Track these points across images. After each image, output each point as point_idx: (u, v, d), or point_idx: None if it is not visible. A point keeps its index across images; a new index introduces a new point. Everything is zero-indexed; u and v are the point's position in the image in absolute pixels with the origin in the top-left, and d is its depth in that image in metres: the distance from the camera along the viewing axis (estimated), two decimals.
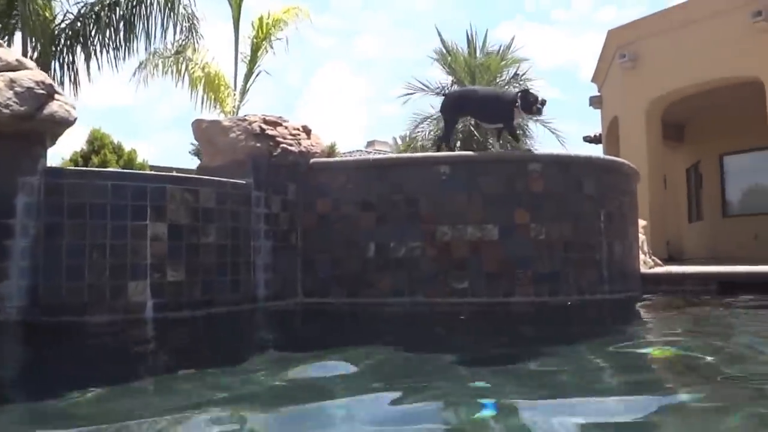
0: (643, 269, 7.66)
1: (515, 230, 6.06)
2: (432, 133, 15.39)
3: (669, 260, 13.02)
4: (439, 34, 17.50)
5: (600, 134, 18.57)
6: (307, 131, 6.37)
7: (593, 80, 18.16)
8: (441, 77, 16.84)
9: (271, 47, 12.14)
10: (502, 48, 16.30)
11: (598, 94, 17.81)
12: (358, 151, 24.85)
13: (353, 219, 6.24)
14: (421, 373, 3.17)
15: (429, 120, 16.26)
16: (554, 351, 3.74)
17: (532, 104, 6.44)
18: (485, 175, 6.12)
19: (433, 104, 16.60)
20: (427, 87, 16.36)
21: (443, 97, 8.01)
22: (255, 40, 11.95)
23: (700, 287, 7.16)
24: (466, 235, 6.05)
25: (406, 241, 6.13)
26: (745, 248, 15.35)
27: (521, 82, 16.32)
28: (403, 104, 16.69)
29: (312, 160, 6.30)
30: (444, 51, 16.08)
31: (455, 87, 14.94)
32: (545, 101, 6.50)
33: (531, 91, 6.74)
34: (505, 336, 4.67)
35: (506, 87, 15.62)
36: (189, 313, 5.10)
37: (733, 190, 17.15)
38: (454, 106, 7.22)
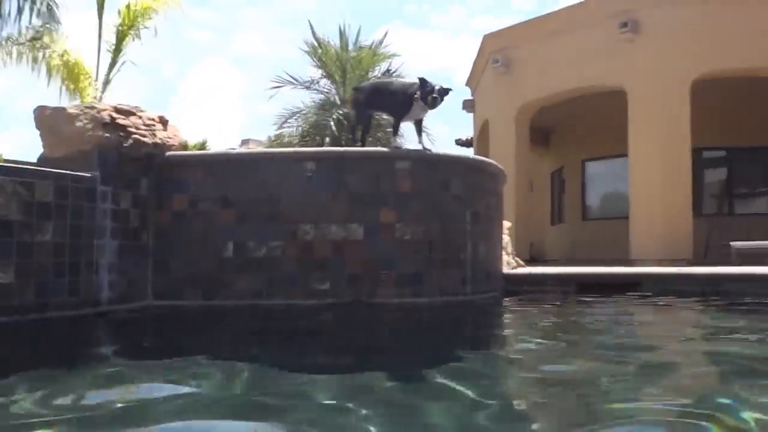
0: (506, 270, 7.63)
1: (380, 230, 5.81)
2: (300, 128, 14.76)
3: (531, 261, 13.24)
4: (311, 26, 16.17)
5: (471, 138, 18.82)
6: (164, 122, 5.86)
7: (467, 84, 18.36)
8: (312, 71, 15.92)
9: (139, 37, 11.39)
10: (374, 43, 15.56)
11: (471, 98, 18.01)
12: (231, 149, 24.02)
13: (211, 216, 5.80)
14: (274, 389, 2.80)
15: (297, 115, 15.38)
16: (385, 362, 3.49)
17: (428, 93, 5.96)
18: (352, 172, 5.83)
19: (303, 99, 15.95)
20: (296, 81, 15.49)
21: (354, 91, 7.11)
22: (121, 28, 11.16)
23: (560, 288, 7.21)
24: (329, 235, 5.75)
25: (266, 241, 5.75)
26: (603, 250, 15.89)
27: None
28: (270, 99, 16.53)
29: (168, 153, 5.80)
30: (315, 44, 15.19)
31: (324, 80, 14.41)
32: (447, 90, 6.06)
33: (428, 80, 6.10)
34: (350, 342, 4.39)
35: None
36: (19, 318, 4.52)
37: (593, 195, 17.77)
38: (366, 100, 6.71)
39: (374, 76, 15.12)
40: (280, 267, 5.73)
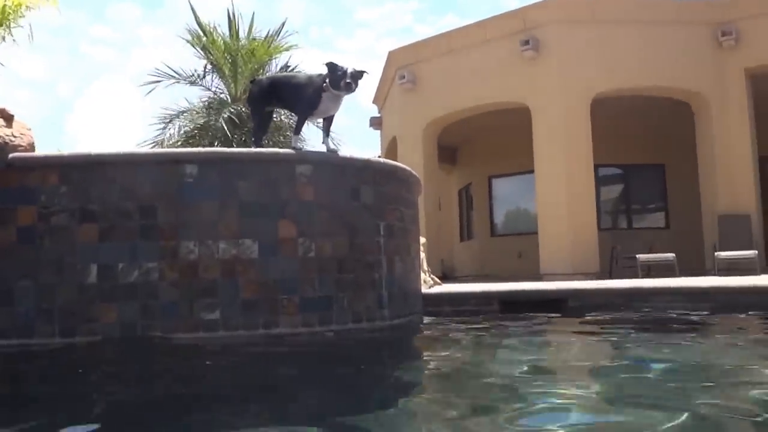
0: (424, 288, 6.58)
1: (279, 246, 4.63)
2: (183, 130, 11.54)
3: (443, 278, 12.36)
4: (193, 10, 11.88)
5: (379, 156, 17.85)
6: (7, 117, 4.52)
7: (374, 101, 17.41)
8: (198, 64, 12.57)
9: (11, 35, 9.68)
10: (270, 33, 12.31)
11: (378, 115, 17.06)
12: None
13: (68, 233, 4.46)
14: None
15: (183, 116, 11.83)
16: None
17: (340, 78, 4.93)
18: (243, 178, 4.64)
19: (187, 97, 12.83)
20: (178, 75, 12.03)
21: (250, 84, 5.98)
22: None
23: (483, 306, 6.24)
24: (217, 253, 4.52)
25: (139, 262, 4.47)
26: (510, 265, 15.25)
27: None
28: (146, 95, 12.08)
29: (12, 155, 4.45)
30: (199, 31, 11.80)
31: (210, 73, 11.88)
32: (361, 72, 5.05)
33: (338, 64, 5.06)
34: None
35: None
36: None
37: (500, 211, 17.10)
38: (264, 95, 5.54)
39: (270, 71, 12.42)
40: (157, 293, 4.46)
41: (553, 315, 5.80)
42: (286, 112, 8.70)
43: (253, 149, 4.95)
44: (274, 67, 11.29)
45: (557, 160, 12.76)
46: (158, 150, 4.39)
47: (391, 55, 15.27)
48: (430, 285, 7.34)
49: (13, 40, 9.83)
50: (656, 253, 12.54)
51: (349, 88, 4.98)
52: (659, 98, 13.52)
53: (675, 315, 5.63)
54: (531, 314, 5.86)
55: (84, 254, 4.46)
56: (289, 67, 11.10)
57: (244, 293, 4.53)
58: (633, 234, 15.08)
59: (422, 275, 6.73)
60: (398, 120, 15.12)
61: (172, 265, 4.48)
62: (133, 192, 4.53)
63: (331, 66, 5.05)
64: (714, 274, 11.15)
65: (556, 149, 12.78)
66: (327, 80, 5.01)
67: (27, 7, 9.58)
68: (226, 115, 9.78)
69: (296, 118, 5.64)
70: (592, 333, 5.07)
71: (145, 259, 4.47)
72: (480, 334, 4.94)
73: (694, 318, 5.48)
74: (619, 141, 14.52)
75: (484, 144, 16.64)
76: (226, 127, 9.39)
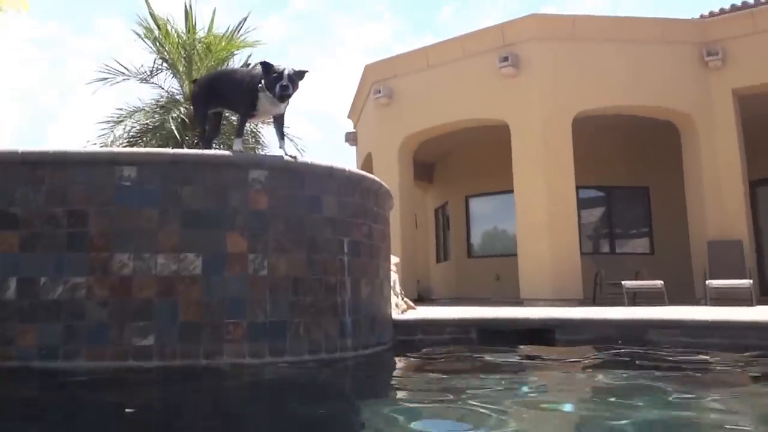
0: (395, 314, 6.05)
1: (227, 262, 4.10)
2: (129, 130, 10.05)
3: (418, 300, 11.87)
4: (146, 1, 10.59)
5: None
6: None
7: (349, 116, 16.95)
8: (149, 59, 10.99)
9: None
10: (230, 29, 10.81)
11: (354, 130, 16.59)
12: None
13: None
14: None
15: (134, 116, 10.26)
16: None
17: (275, 81, 4.48)
18: (188, 183, 4.11)
19: (141, 96, 12.12)
20: (128, 71, 10.55)
21: (192, 84, 5.46)
22: None
23: (460, 335, 5.72)
24: (155, 268, 3.98)
25: (65, 276, 3.91)
26: (488, 288, 14.81)
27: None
28: (93, 94, 12.03)
29: None
30: (151, 22, 10.32)
31: (164, 70, 10.48)
32: (301, 73, 4.59)
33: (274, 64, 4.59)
34: None
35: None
36: None
37: (477, 232, 16.65)
38: (205, 93, 5.07)
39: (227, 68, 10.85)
40: (83, 313, 3.90)
41: (536, 350, 5.29)
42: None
43: (200, 151, 4.43)
44: (234, 65, 10.44)
45: (537, 179, 12.36)
46: (93, 149, 3.87)
47: (367, 69, 14.84)
48: (402, 309, 6.83)
49: None
50: (643, 279, 12.15)
51: (285, 92, 4.50)
52: (643, 118, 13.24)
53: (682, 355, 5.00)
54: (511, 348, 5.35)
55: (2, 266, 3.90)
56: (249, 65, 10.29)
57: (183, 316, 3.98)
58: (616, 259, 14.67)
59: (394, 298, 6.22)
60: (374, 135, 14.67)
61: (103, 280, 3.93)
62: (62, 195, 3.99)
63: (265, 66, 4.58)
64: (705, 304, 10.76)
65: (536, 168, 12.38)
66: (262, 81, 4.56)
67: None
68: (175, 114, 9.00)
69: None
70: (593, 384, 4.11)
71: (72, 273, 3.92)
72: (449, 377, 4.33)
73: (711, 361, 4.83)
74: (600, 162, 14.19)
75: (461, 162, 16.24)
76: (175, 129, 8.59)
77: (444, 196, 17.37)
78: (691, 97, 12.60)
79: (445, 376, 4.17)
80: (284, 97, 4.55)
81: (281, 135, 4.80)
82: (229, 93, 4.90)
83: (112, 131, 9.50)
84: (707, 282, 11.04)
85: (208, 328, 4.00)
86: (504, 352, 5.11)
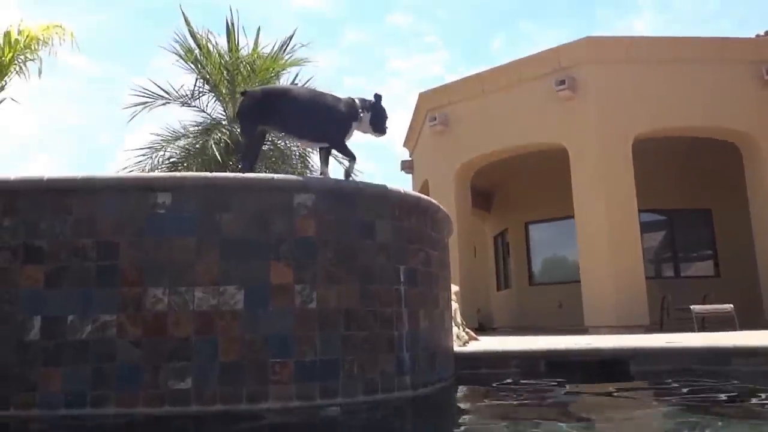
0: (457, 346, 5.38)
1: (271, 295, 3.53)
2: (166, 155, 9.17)
3: (479, 329, 11.11)
4: (184, 16, 9.44)
5: None
6: None
7: (405, 145, 16.44)
8: (189, 81, 10.19)
9: (25, 68, 8.86)
10: (277, 45, 9.74)
11: (410, 158, 16.04)
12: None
13: (8, 276, 3.43)
14: None
15: (177, 142, 9.34)
16: None
17: (384, 118, 4.35)
18: (228, 209, 3.57)
19: (182, 119, 10.28)
20: (168, 94, 9.47)
21: (241, 97, 4.81)
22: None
23: (526, 368, 5.01)
24: (192, 303, 3.43)
25: (94, 313, 3.40)
26: (550, 316, 13.95)
27: None
28: (129, 121, 9.27)
29: None
30: (191, 42, 9.37)
31: (206, 92, 9.49)
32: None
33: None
34: None
35: None
36: None
37: (538, 259, 15.79)
38: (257, 110, 4.41)
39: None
40: (114, 354, 3.37)
41: (611, 385, 4.55)
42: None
43: (240, 174, 3.89)
44: (280, 84, 9.72)
45: (598, 204, 11.54)
46: (124, 174, 3.44)
47: (422, 97, 14.32)
48: (464, 341, 6.14)
49: (27, 76, 9.10)
50: (711, 303, 11.16)
51: (383, 131, 4.38)
52: (702, 139, 12.33)
53: None
54: (582, 385, 4.64)
55: (26, 303, 3.41)
56: (296, 84, 9.57)
57: (224, 355, 3.41)
58: (681, 283, 13.62)
59: (455, 329, 5.55)
60: (430, 163, 14.08)
61: (135, 318, 3.40)
62: (91, 225, 3.49)
63: (378, 100, 4.35)
64: None
65: (597, 193, 11.58)
66: (363, 111, 4.27)
67: (39, 40, 8.85)
68: (217, 136, 8.38)
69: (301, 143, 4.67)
70: None
71: (102, 310, 3.40)
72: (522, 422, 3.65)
73: None
74: (660, 185, 13.24)
75: (519, 188, 15.49)
76: (217, 152, 7.93)
77: (503, 223, 16.61)
78: (751, 116, 11.69)
79: (517, 420, 3.47)
80: (381, 134, 4.38)
81: (326, 161, 4.38)
82: (297, 112, 4.34)
83: (151, 158, 8.85)
84: None
85: (251, 368, 3.42)
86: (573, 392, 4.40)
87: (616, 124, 11.53)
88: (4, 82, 8.42)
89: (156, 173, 4.35)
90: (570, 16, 37.91)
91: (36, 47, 8.51)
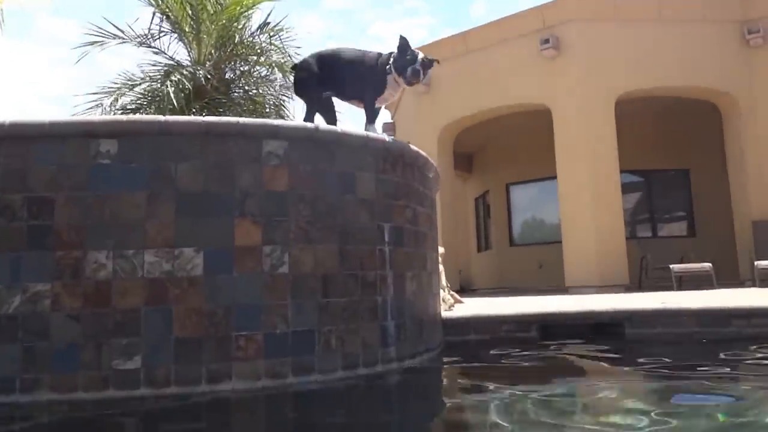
0: (443, 310, 4.79)
1: (235, 258, 2.88)
2: (118, 101, 7.68)
3: (461, 291, 10.60)
4: None
5: None
6: None
7: (386, 107, 15.68)
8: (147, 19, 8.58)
9: None
10: None
11: (391, 120, 15.31)
12: None
13: None
14: None
15: (137, 85, 7.89)
16: None
17: (409, 63, 3.70)
18: (184, 159, 2.89)
19: (140, 62, 8.40)
20: (123, 33, 8.09)
21: (294, 71, 4.30)
22: None
23: (518, 333, 4.44)
24: (141, 269, 2.78)
25: (23, 282, 2.74)
26: (531, 276, 13.49)
27: (274, 40, 8.44)
28: (76, 63, 7.91)
29: None
30: None
31: (167, 33, 7.98)
32: (431, 62, 3.84)
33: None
34: None
35: (250, 39, 8.30)
36: None
37: (519, 220, 15.23)
38: (317, 75, 3.96)
39: (245, 29, 8.31)
40: (48, 331, 2.72)
41: (607, 349, 4.03)
42: None
43: (199, 118, 3.20)
44: (248, 25, 8.55)
45: (580, 164, 10.98)
46: (61, 118, 2.83)
47: None
48: (450, 304, 5.57)
49: None
50: (688, 263, 10.72)
51: (416, 77, 3.72)
52: (682, 100, 11.77)
53: None
54: (576, 343, 4.14)
55: None
56: (268, 24, 8.44)
57: (179, 329, 2.77)
58: (658, 243, 13.17)
59: (441, 293, 4.95)
60: (412, 125, 13.36)
61: (73, 287, 2.74)
62: (21, 178, 2.81)
63: (403, 44, 3.72)
64: (753, 286, 9.40)
65: (580, 153, 11.01)
66: (391, 60, 3.73)
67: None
68: (176, 78, 6.99)
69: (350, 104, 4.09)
70: None
71: (33, 279, 2.74)
72: (530, 393, 3.09)
73: None
74: (639, 146, 12.65)
75: (501, 150, 14.84)
76: (175, 98, 6.92)
77: (484, 185, 16.00)
78: (732, 77, 11.13)
79: (525, 390, 2.89)
80: (413, 82, 3.74)
81: (372, 117, 3.87)
82: (352, 75, 3.92)
83: (101, 104, 7.55)
84: (756, 263, 9.61)
85: (212, 343, 2.79)
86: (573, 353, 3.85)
87: (599, 84, 10.93)
88: None
89: (99, 117, 3.69)
90: None
91: None
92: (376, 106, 3.96)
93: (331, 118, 4.09)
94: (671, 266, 10.18)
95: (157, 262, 2.79)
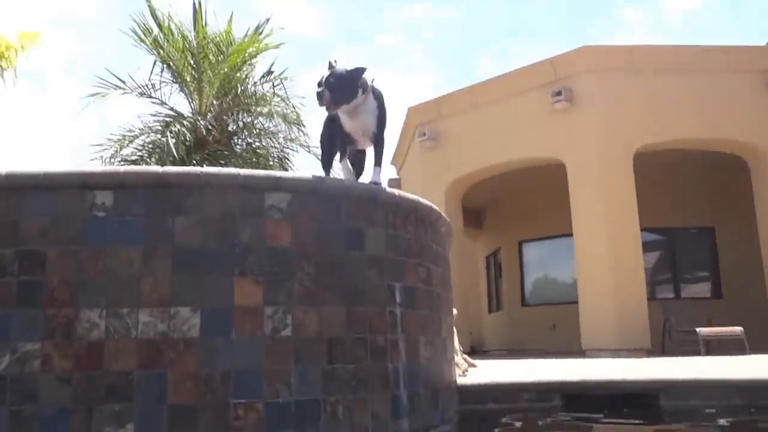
0: (457, 376, 4.68)
1: (235, 319, 2.82)
2: (118, 153, 7.76)
3: (471, 352, 10.45)
4: None
5: None
6: None
7: (392, 162, 15.84)
8: (147, 69, 8.46)
9: (2, 78, 8.03)
10: (251, 29, 8.31)
11: (397, 176, 15.41)
12: None
13: None
14: None
15: (137, 137, 7.87)
16: None
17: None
18: (182, 212, 2.88)
19: (141, 112, 8.52)
20: (125, 84, 8.09)
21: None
22: None
23: (541, 403, 4.33)
24: (135, 329, 2.73)
25: (13, 341, 2.69)
26: (543, 338, 13.31)
27: (278, 90, 8.49)
28: (77, 114, 9.13)
29: None
30: (150, 20, 7.91)
31: (168, 83, 8.06)
32: (347, 74, 3.48)
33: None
34: None
35: (253, 89, 8.34)
36: None
37: (532, 279, 15.13)
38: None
39: (243, 76, 8.28)
40: (37, 393, 2.65)
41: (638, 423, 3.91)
42: None
43: (198, 169, 3.20)
44: (252, 74, 8.48)
45: (598, 221, 10.94)
46: (56, 169, 2.83)
47: (411, 111, 13.73)
48: (463, 369, 5.46)
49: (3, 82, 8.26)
50: (716, 326, 10.56)
51: (319, 101, 3.44)
52: (706, 152, 11.80)
53: None
54: (607, 419, 4.00)
55: None
56: (271, 73, 8.40)
57: (174, 396, 2.70)
58: (683, 304, 13.02)
59: (455, 357, 4.85)
60: (419, 180, 13.44)
61: (64, 347, 2.69)
62: (12, 231, 2.79)
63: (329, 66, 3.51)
64: None
65: (597, 210, 10.98)
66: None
67: (16, 49, 8.05)
68: (176, 129, 7.02)
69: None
70: None
71: (23, 338, 2.69)
72: None
73: None
74: (659, 202, 12.64)
75: (513, 205, 14.87)
76: (174, 148, 6.55)
77: (495, 242, 15.98)
78: (758, 127, 11.16)
79: None
80: (322, 106, 3.46)
81: (377, 160, 3.68)
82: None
83: (101, 157, 7.68)
84: None
85: (208, 411, 2.71)
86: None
87: (616, 137, 10.98)
88: None
89: (95, 167, 3.70)
90: (559, 35, 37.80)
91: (10, 56, 7.75)
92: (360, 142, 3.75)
93: (331, 151, 3.93)
94: (698, 330, 10.04)
95: (151, 322, 2.74)
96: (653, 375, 4.48)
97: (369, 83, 3.57)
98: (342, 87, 3.42)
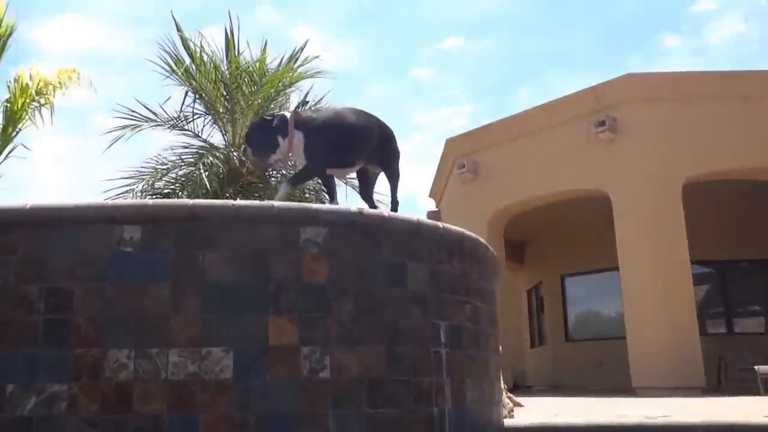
0: (506, 419, 4.41)
1: (269, 360, 2.66)
2: (149, 187, 7.37)
3: (514, 389, 10.08)
4: (176, 23, 7.73)
5: None
6: None
7: (431, 195, 15.65)
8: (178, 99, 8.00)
9: (40, 115, 8.07)
10: (286, 56, 7.82)
11: (436, 209, 15.20)
12: None
13: None
14: None
15: (177, 169, 7.58)
16: None
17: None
18: (213, 247, 2.74)
19: (174, 144, 8.10)
20: (156, 116, 7.76)
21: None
22: (10, 105, 7.76)
23: None
24: (165, 371, 2.59)
25: (39, 382, 2.57)
26: (588, 374, 12.82)
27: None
28: (107, 148, 7.46)
29: None
30: (181, 50, 7.59)
31: (201, 115, 7.69)
32: (258, 125, 4.00)
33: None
34: None
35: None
36: None
37: (575, 314, 14.69)
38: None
39: (277, 105, 7.78)
40: None
41: None
42: None
43: (230, 202, 3.06)
44: (287, 104, 8.12)
45: (645, 255, 10.52)
46: (83, 202, 2.73)
47: (449, 143, 13.57)
48: (509, 409, 5.18)
49: (42, 122, 8.31)
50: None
51: (245, 156, 4.07)
52: (758, 182, 11.34)
53: None
54: None
55: None
56: (307, 103, 8.12)
57: None
58: (736, 340, 12.45)
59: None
60: (459, 213, 13.19)
61: (92, 388, 2.56)
62: (39, 268, 2.69)
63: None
64: None
65: (644, 243, 10.56)
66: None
67: (54, 86, 8.10)
68: (208, 161, 6.79)
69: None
70: None
71: (49, 379, 2.57)
72: None
73: None
74: (710, 233, 12.16)
75: (555, 238, 14.52)
76: (207, 181, 6.41)
77: (537, 276, 15.59)
78: None
79: None
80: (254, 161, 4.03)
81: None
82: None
83: (132, 190, 7.27)
84: None
85: None
86: None
87: (663, 167, 10.59)
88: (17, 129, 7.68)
89: (123, 201, 3.61)
90: (598, 65, 37.49)
91: (48, 92, 7.79)
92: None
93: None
94: (757, 368, 9.53)
95: (182, 362, 2.60)
96: (719, 421, 4.14)
97: (290, 120, 3.77)
98: (261, 141, 3.79)
